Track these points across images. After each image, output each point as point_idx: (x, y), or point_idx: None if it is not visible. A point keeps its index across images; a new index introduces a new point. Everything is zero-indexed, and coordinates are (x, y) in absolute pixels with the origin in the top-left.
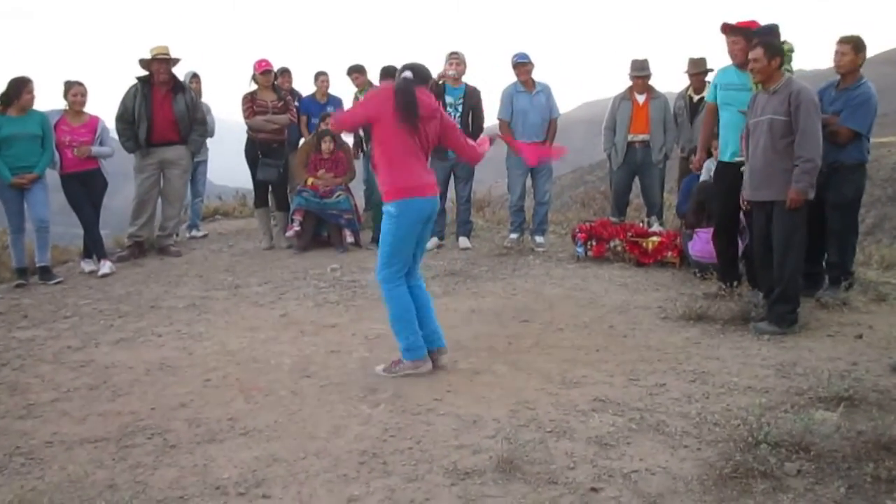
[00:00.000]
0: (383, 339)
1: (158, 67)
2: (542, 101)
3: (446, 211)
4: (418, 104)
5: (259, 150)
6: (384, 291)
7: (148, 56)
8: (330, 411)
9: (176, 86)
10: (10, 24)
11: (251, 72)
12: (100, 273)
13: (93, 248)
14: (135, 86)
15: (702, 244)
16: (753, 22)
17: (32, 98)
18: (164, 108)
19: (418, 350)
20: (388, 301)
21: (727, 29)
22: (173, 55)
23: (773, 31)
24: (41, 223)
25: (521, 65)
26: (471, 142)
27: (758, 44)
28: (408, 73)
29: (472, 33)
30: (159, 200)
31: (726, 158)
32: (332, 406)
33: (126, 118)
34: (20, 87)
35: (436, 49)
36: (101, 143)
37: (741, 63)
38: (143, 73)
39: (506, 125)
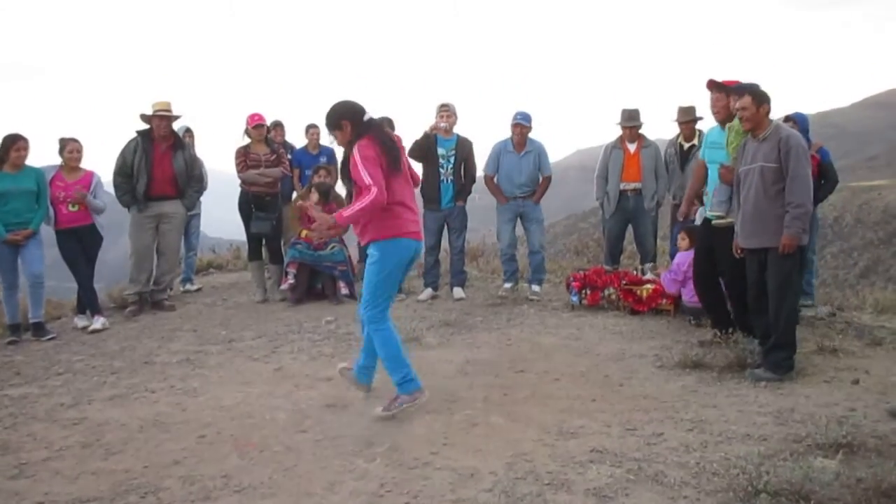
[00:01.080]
0: (379, 391)
1: (159, 123)
2: (530, 161)
3: (439, 261)
4: (397, 145)
5: (252, 204)
6: (374, 331)
7: (149, 111)
8: (325, 467)
9: (176, 142)
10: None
11: (244, 126)
12: (90, 329)
13: (87, 303)
14: (135, 140)
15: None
16: (736, 82)
17: (21, 155)
18: (163, 163)
19: (413, 382)
20: (378, 340)
21: (712, 85)
22: (175, 111)
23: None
24: (36, 279)
25: (518, 125)
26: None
27: (745, 92)
28: (371, 116)
29: (468, 81)
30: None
31: (706, 211)
32: (328, 461)
33: (125, 171)
34: (8, 144)
35: (427, 101)
36: (94, 198)
37: (722, 120)
38: (144, 126)
39: (490, 180)
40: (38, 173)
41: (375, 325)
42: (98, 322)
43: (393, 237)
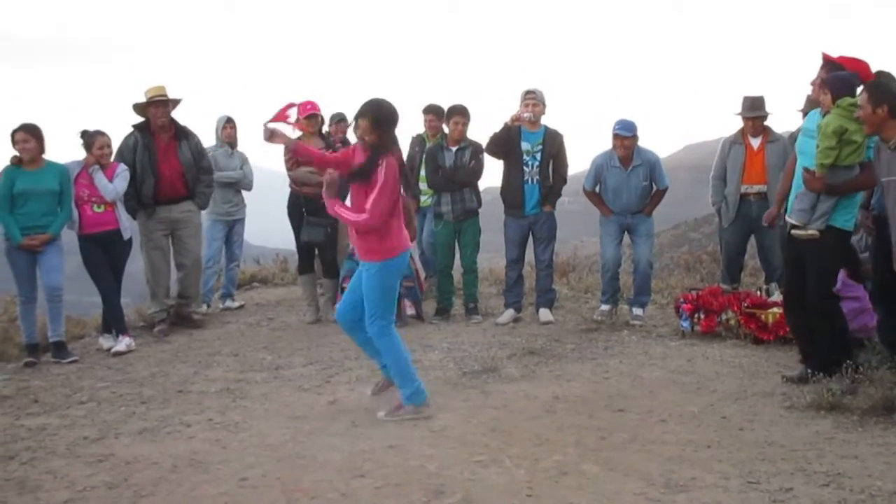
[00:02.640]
0: (451, 431)
1: (156, 111)
2: (640, 176)
3: (523, 277)
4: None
5: (304, 207)
6: (384, 343)
7: (143, 99)
8: None
9: (178, 131)
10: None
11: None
12: (114, 350)
13: (111, 321)
14: (133, 135)
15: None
16: (860, 62)
17: (27, 148)
18: (169, 158)
19: (421, 395)
20: (389, 350)
21: (824, 59)
22: (173, 95)
23: (842, 82)
24: (54, 291)
25: (618, 138)
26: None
27: (863, 88)
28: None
29: (562, 67)
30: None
31: (788, 214)
32: None
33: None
34: (11, 138)
35: (510, 86)
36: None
37: (815, 99)
38: (139, 119)
39: (592, 194)
40: (61, 170)
41: (386, 338)
42: (122, 343)
43: (391, 258)
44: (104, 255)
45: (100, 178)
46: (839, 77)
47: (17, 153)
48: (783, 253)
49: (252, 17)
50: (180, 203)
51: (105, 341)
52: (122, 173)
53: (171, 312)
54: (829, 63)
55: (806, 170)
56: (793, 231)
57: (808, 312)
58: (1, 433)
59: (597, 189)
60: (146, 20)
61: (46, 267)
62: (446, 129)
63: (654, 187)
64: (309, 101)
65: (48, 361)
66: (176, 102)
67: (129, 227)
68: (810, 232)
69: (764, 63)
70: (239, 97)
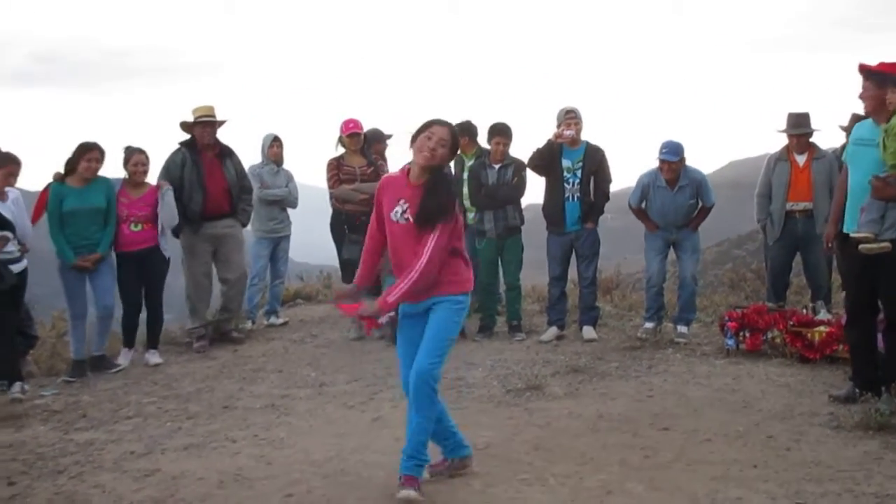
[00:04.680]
0: (495, 449)
1: (203, 132)
2: (686, 196)
3: (566, 295)
4: None
5: (346, 225)
6: (432, 390)
7: (190, 118)
8: None
9: (223, 150)
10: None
11: (337, 133)
12: (114, 363)
13: (125, 334)
14: (180, 151)
15: None
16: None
17: (93, 168)
18: (214, 175)
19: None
20: (428, 406)
21: (861, 71)
22: (220, 116)
23: None
24: (106, 311)
25: (665, 164)
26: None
27: None
28: None
29: (608, 84)
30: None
31: (848, 229)
32: None
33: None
34: (80, 153)
35: (551, 104)
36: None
37: (871, 112)
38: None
39: (638, 210)
40: (108, 186)
41: (434, 390)
42: (125, 357)
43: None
44: (138, 273)
45: (169, 199)
46: None
47: (81, 170)
48: (844, 268)
49: (297, 31)
50: (224, 219)
51: (151, 357)
52: (165, 198)
53: (210, 329)
54: (871, 72)
55: (876, 178)
56: (861, 246)
57: (889, 330)
58: (50, 447)
59: (643, 206)
60: (191, 39)
61: (99, 287)
62: (485, 146)
63: (701, 204)
64: (351, 119)
65: (94, 377)
66: (221, 123)
67: (168, 246)
68: (882, 244)
69: (808, 79)
70: (283, 115)
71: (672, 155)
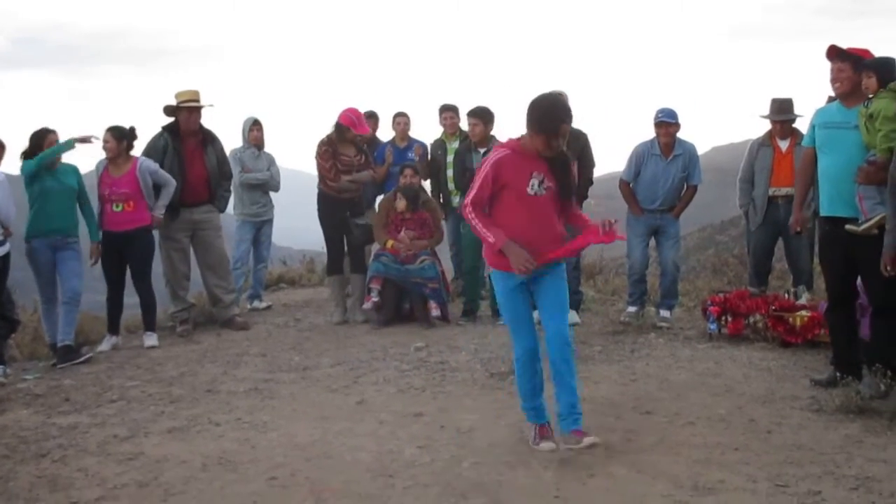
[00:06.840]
0: (477, 433)
1: (188, 117)
2: (679, 168)
3: None
4: None
5: (348, 211)
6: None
7: (173, 102)
8: None
9: (206, 137)
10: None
11: (335, 120)
12: (98, 350)
13: (109, 317)
14: (163, 136)
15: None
16: (866, 51)
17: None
18: (195, 163)
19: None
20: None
21: (833, 53)
22: (205, 101)
23: (887, 65)
24: (74, 295)
25: (663, 125)
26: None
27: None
28: None
29: (587, 69)
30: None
31: (829, 213)
32: None
33: None
34: (40, 138)
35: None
36: (153, 187)
37: (845, 94)
38: (169, 120)
39: (627, 186)
40: (76, 170)
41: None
42: (108, 343)
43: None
44: (120, 254)
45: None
46: (884, 60)
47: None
48: (823, 253)
49: (282, 17)
50: (201, 206)
51: (148, 339)
52: (145, 175)
53: (194, 312)
54: (847, 54)
55: (870, 163)
56: (863, 227)
57: (875, 315)
58: (33, 431)
59: (631, 186)
60: (170, 21)
61: (67, 272)
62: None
63: (686, 185)
64: (352, 108)
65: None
66: (206, 107)
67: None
68: (877, 218)
69: (791, 65)
70: (263, 98)
71: (669, 117)
